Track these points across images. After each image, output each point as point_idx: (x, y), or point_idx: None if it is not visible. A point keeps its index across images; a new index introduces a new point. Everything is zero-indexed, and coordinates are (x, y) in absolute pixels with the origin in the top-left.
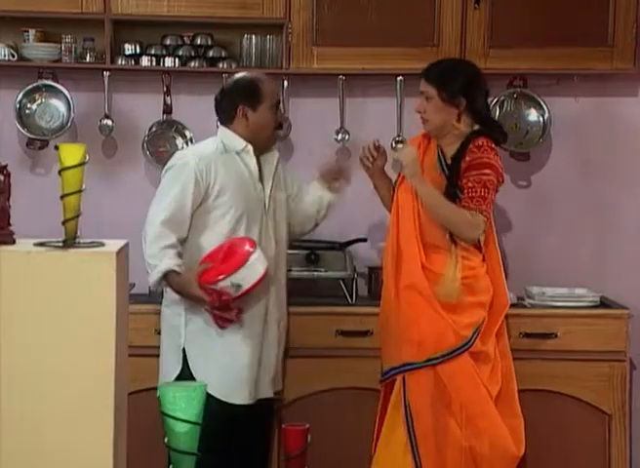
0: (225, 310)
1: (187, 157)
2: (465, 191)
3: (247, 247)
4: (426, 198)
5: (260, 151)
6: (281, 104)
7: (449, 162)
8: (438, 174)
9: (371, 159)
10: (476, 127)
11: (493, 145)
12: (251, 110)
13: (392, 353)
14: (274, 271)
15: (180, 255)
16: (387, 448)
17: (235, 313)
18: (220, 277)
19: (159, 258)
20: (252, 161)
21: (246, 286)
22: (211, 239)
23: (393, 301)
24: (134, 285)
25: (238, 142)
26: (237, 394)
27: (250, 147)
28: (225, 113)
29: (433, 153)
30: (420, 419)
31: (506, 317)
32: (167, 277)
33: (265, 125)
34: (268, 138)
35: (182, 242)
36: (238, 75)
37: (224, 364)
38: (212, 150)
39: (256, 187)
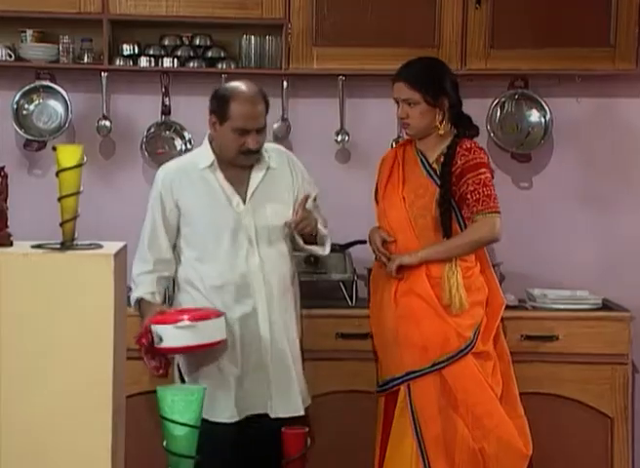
0: (148, 354)
1: (160, 172)
2: (469, 196)
3: (210, 312)
4: (437, 256)
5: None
6: (254, 135)
7: (435, 166)
8: (427, 180)
9: (385, 259)
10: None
11: (480, 146)
12: (218, 123)
13: (393, 362)
14: (260, 286)
15: (161, 279)
16: (396, 457)
17: (155, 365)
18: (153, 321)
19: (135, 284)
20: (219, 175)
21: (169, 344)
22: (191, 254)
23: (390, 308)
24: (131, 288)
25: (206, 158)
26: (220, 412)
27: (215, 164)
28: None
29: (415, 159)
30: (429, 425)
31: (504, 319)
32: (139, 302)
33: (226, 144)
34: (232, 160)
35: (167, 261)
36: (231, 83)
37: (210, 381)
38: (186, 162)
39: (230, 200)
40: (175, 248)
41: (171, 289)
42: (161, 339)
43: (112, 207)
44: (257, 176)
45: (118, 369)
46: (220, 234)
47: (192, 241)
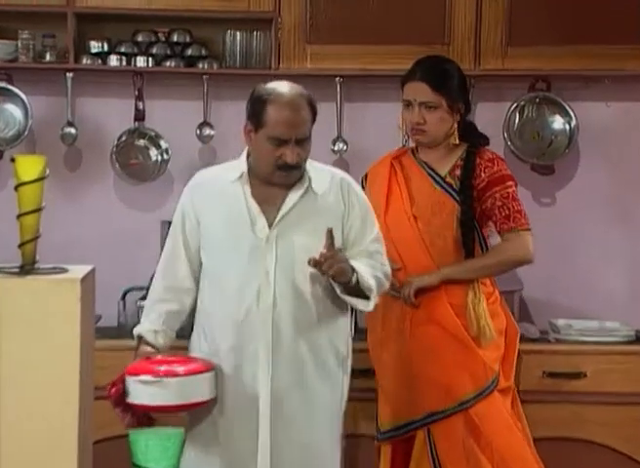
0: (119, 407)
1: (192, 180)
2: (497, 211)
3: (196, 368)
4: (462, 276)
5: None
6: (293, 147)
7: (449, 180)
8: (444, 196)
9: (393, 290)
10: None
11: (500, 156)
12: (254, 130)
13: (408, 403)
14: (266, 330)
15: (170, 314)
16: None
17: (129, 421)
18: (129, 368)
19: (144, 315)
20: (247, 190)
21: (134, 400)
22: (204, 282)
23: (403, 340)
24: (100, 317)
25: (237, 169)
26: None
27: (245, 177)
28: None
29: (421, 173)
30: None
31: (522, 353)
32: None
33: (261, 156)
34: (268, 176)
35: (182, 291)
36: (271, 83)
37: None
38: (219, 173)
39: (254, 222)
40: (199, 277)
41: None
42: (127, 393)
43: (79, 225)
44: (292, 198)
45: (84, 410)
46: (233, 260)
47: (205, 265)
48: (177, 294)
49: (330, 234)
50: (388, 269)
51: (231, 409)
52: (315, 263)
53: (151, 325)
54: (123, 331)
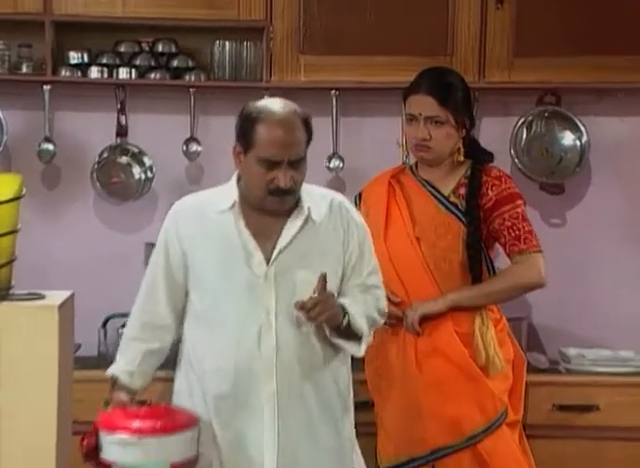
0: (92, 460)
1: (173, 208)
2: (506, 232)
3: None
4: (470, 302)
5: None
6: (286, 169)
7: (454, 200)
8: (448, 216)
9: (395, 320)
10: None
11: (507, 172)
12: (243, 151)
13: (412, 438)
14: (269, 377)
15: (149, 353)
16: None
17: None
18: (100, 420)
19: (120, 353)
20: (241, 222)
21: (107, 456)
22: (193, 323)
23: (412, 373)
24: (79, 346)
25: (228, 197)
26: None
27: (237, 206)
28: None
29: (422, 192)
30: None
31: (531, 384)
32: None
33: (251, 180)
34: (259, 202)
35: (161, 328)
36: (262, 100)
37: None
38: (205, 200)
39: (250, 257)
40: (182, 313)
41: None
42: (100, 449)
43: (57, 248)
44: (290, 229)
45: (62, 445)
46: (228, 300)
47: (196, 305)
48: (155, 332)
49: (323, 279)
50: (384, 304)
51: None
52: (301, 307)
53: (127, 365)
54: (104, 360)
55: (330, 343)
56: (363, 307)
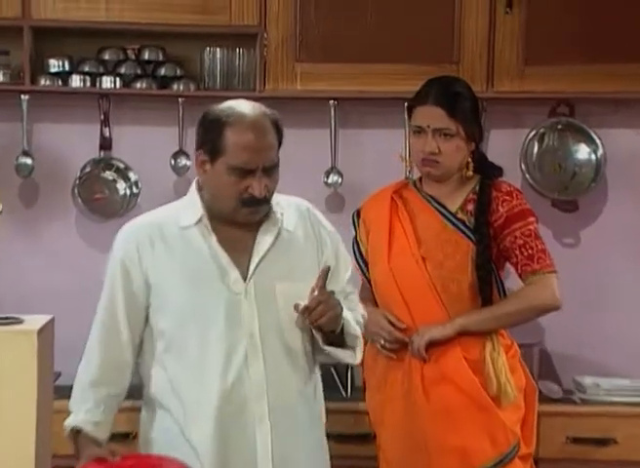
0: None
1: (120, 235)
2: (517, 251)
3: None
4: (481, 326)
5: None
6: (260, 177)
7: (461, 217)
8: (456, 234)
9: (398, 345)
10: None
11: (518, 188)
12: (209, 160)
13: None
14: (262, 409)
15: (110, 398)
16: None
17: None
18: None
19: (77, 402)
20: (211, 238)
21: None
22: (163, 356)
23: (418, 402)
24: (59, 375)
25: (191, 212)
26: None
27: (205, 221)
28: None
29: (427, 208)
30: None
31: (543, 415)
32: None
33: (220, 192)
34: (230, 214)
35: (124, 367)
36: (226, 103)
37: None
38: (162, 219)
39: (224, 275)
40: (140, 346)
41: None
42: None
43: (36, 269)
44: (264, 241)
45: None
46: (206, 325)
47: (165, 335)
48: (116, 372)
49: (325, 274)
50: (363, 314)
51: None
52: (305, 310)
53: (90, 415)
54: None
55: (310, 358)
56: (350, 313)
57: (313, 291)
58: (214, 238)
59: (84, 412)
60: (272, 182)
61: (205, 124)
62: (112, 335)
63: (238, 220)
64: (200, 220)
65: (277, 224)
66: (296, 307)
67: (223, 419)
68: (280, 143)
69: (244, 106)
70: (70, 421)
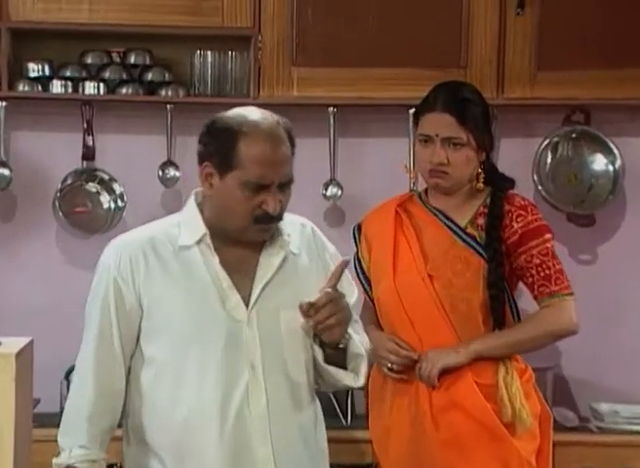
0: None
1: (110, 250)
2: (534, 271)
3: None
4: (496, 352)
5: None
6: (275, 192)
7: (471, 232)
8: (466, 251)
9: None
10: None
11: (532, 201)
12: (217, 174)
13: None
14: (265, 444)
15: (108, 433)
16: None
17: None
18: None
19: (69, 434)
20: (214, 260)
21: None
22: (152, 385)
23: (427, 430)
24: (39, 401)
25: (192, 230)
26: None
27: (208, 241)
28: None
29: (435, 223)
30: None
31: (557, 444)
32: None
33: (230, 206)
34: (240, 232)
35: (119, 395)
36: (235, 110)
37: None
38: (156, 235)
39: (225, 300)
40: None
41: None
42: None
43: (14, 288)
44: (269, 264)
45: None
46: (204, 354)
47: (156, 363)
48: (111, 404)
49: (342, 269)
50: (368, 342)
51: None
52: (309, 307)
53: (87, 453)
54: None
55: (313, 390)
56: (357, 336)
57: (322, 289)
58: (216, 259)
59: (78, 449)
60: (286, 198)
61: (213, 133)
62: (107, 364)
63: (245, 239)
64: (201, 240)
65: (285, 247)
66: (300, 306)
67: (224, 463)
68: (293, 153)
69: (256, 114)
70: (63, 460)
